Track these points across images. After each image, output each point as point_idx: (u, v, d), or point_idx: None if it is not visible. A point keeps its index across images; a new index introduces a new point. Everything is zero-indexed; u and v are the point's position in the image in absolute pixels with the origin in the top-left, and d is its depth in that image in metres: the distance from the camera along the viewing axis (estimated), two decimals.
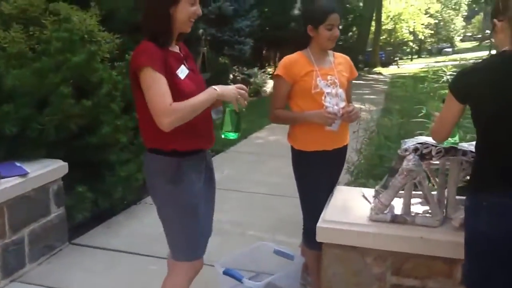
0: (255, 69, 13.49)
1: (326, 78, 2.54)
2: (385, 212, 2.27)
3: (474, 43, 51.35)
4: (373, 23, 26.35)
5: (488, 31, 50.32)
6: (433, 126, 2.01)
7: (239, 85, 2.09)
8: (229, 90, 2.02)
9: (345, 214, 2.40)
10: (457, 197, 2.28)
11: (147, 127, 2.04)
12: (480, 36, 54.47)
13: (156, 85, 1.90)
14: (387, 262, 2.21)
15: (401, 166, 2.18)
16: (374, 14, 26.02)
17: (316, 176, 2.62)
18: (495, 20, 1.73)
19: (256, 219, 4.08)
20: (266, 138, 7.71)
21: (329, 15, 2.46)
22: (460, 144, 2.20)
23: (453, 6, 45.97)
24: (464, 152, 2.15)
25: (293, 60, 2.57)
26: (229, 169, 5.57)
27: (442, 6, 42.31)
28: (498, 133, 1.71)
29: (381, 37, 29.95)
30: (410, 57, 34.37)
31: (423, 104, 3.33)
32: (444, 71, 3.17)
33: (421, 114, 3.30)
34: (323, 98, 2.52)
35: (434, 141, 2.12)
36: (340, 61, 2.67)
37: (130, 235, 3.81)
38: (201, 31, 9.58)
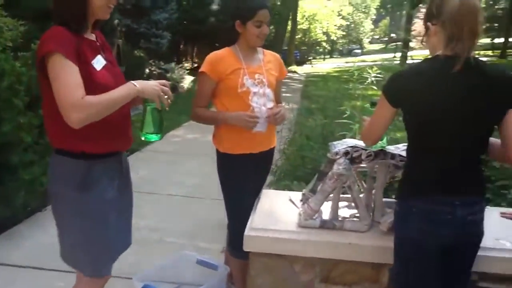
0: (172, 64, 13.13)
1: (254, 77, 2.42)
2: (314, 217, 2.19)
3: (381, 45, 54.50)
4: (290, 22, 26.88)
5: (393, 35, 53.72)
6: (363, 130, 1.96)
7: (161, 81, 1.90)
8: (150, 86, 1.83)
9: (273, 221, 2.29)
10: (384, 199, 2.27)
11: (54, 124, 1.79)
12: (386, 39, 57.96)
13: (65, 75, 1.65)
14: (315, 269, 2.16)
15: (331, 170, 2.11)
16: (291, 14, 26.55)
17: (242, 180, 2.51)
18: (428, 23, 1.71)
19: (175, 224, 3.87)
20: (183, 136, 7.47)
21: (258, 11, 2.33)
22: (387, 147, 2.18)
23: (363, 10, 48.34)
24: (393, 156, 2.13)
25: (220, 57, 2.42)
26: (144, 170, 5.27)
27: (353, 9, 44.31)
28: (431, 139, 1.69)
29: (297, 37, 30.64)
30: (323, 57, 35.56)
31: (345, 104, 3.35)
32: (369, 72, 3.19)
33: (345, 115, 3.31)
34: (250, 97, 2.40)
35: (363, 144, 2.07)
36: (269, 59, 2.56)
37: (33, 247, 3.41)
38: (116, 21, 9.05)
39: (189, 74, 14.34)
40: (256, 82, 2.42)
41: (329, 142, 2.39)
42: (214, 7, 17.51)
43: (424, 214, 1.70)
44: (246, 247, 2.17)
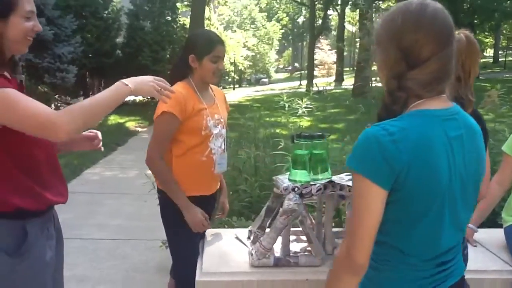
0: (81, 98, 12.52)
1: (214, 117, 2.33)
2: (267, 256, 2.15)
3: (286, 74, 56.82)
4: None
5: (296, 64, 56.27)
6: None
7: (155, 77, 1.72)
8: (145, 83, 1.64)
9: (224, 262, 2.21)
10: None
11: None
12: (290, 68, 60.60)
13: (20, 101, 1.45)
14: None
15: (282, 207, 2.09)
16: None
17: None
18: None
19: (105, 271, 3.60)
20: (101, 174, 7.08)
21: (216, 45, 2.25)
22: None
23: (267, 41, 50.16)
24: (341, 187, 2.16)
25: (185, 95, 2.24)
26: (63, 214, 4.85)
27: (258, 40, 45.78)
28: None
29: None
30: (232, 86, 36.12)
31: (276, 134, 3.38)
32: (300, 104, 3.25)
33: (280, 146, 3.33)
34: (210, 139, 2.31)
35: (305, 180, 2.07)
36: (219, 97, 2.48)
37: None
38: (17, 56, 8.47)
39: None
40: (216, 122, 2.34)
41: (273, 176, 2.38)
42: (120, 40, 17.17)
43: None
44: None
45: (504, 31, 34.75)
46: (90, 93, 17.14)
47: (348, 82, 27.56)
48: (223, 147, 2.38)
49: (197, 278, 2.10)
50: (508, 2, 21.37)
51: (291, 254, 2.21)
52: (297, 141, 2.12)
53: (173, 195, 2.29)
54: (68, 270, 3.52)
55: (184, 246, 2.38)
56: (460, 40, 1.83)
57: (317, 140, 2.13)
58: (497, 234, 2.53)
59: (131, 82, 1.62)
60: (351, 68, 39.18)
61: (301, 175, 2.12)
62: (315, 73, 31.94)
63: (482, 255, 2.34)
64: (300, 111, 3.23)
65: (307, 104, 3.23)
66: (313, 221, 2.37)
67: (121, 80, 1.62)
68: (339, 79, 30.91)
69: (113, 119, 13.42)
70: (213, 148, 2.32)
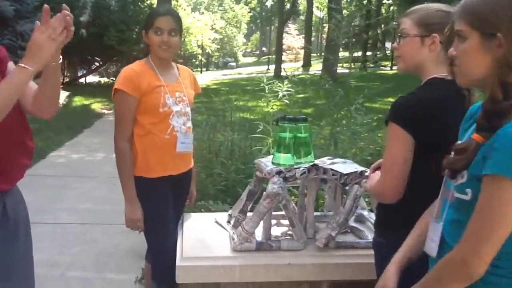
0: None
1: (175, 95, 2.28)
2: (249, 240, 2.12)
3: (254, 58, 56.56)
4: None
5: (264, 48, 56.17)
6: (378, 183, 1.61)
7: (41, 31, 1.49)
8: (39, 48, 1.47)
9: (204, 247, 2.18)
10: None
11: None
12: (258, 52, 60.35)
13: None
14: None
15: (266, 190, 2.06)
16: None
17: (161, 204, 2.34)
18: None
19: (76, 256, 3.50)
20: (68, 157, 6.86)
21: (156, 17, 2.22)
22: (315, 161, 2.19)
23: (235, 24, 49.70)
24: (325, 170, 2.15)
25: (138, 71, 2.22)
26: (29, 197, 4.64)
27: (226, 23, 45.29)
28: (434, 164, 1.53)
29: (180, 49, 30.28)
30: (199, 69, 35.66)
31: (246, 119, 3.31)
32: (280, 87, 3.21)
33: (259, 129, 3.29)
34: (170, 117, 2.26)
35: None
36: (185, 75, 2.44)
37: None
38: None
39: (63, 89, 13.33)
40: (177, 100, 2.29)
41: (255, 160, 2.35)
42: (84, 18, 16.61)
43: None
44: (179, 279, 2.03)
45: None
46: None
47: (315, 67, 27.68)
48: (188, 125, 2.32)
49: (177, 263, 2.05)
50: None
51: (272, 238, 2.19)
52: (282, 124, 2.09)
53: (123, 183, 2.26)
54: (36, 254, 3.41)
55: (159, 230, 2.33)
56: None
57: (301, 123, 2.11)
58: None
59: (28, 62, 1.48)
60: (318, 54, 39.32)
61: (284, 159, 2.09)
62: (283, 58, 31.90)
63: None
64: (280, 95, 3.20)
65: (288, 87, 3.20)
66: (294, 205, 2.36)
67: (19, 64, 1.49)
68: (307, 63, 31.01)
69: (78, 101, 13.05)
70: (175, 126, 2.26)
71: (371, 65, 23.03)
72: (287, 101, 3.30)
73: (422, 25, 1.58)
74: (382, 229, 1.73)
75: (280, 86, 3.22)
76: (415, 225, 1.51)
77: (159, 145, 2.25)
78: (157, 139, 2.25)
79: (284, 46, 34.09)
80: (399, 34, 1.64)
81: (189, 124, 2.35)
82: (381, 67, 25.60)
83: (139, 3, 17.80)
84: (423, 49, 1.59)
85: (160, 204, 2.33)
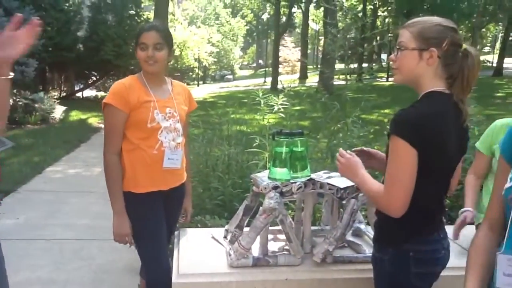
0: (41, 94, 12.07)
1: (165, 111, 2.27)
2: (246, 256, 2.11)
3: (250, 71, 56.79)
4: None
5: (260, 61, 56.49)
6: (383, 196, 1.58)
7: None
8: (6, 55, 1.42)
9: (201, 263, 2.17)
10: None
11: None
12: (254, 65, 60.63)
13: None
14: None
15: (262, 205, 2.06)
16: None
17: (151, 220, 2.30)
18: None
19: (72, 273, 3.47)
20: (64, 172, 6.83)
21: (141, 33, 2.23)
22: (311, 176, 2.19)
23: (231, 37, 49.97)
24: (322, 185, 2.15)
25: (128, 86, 2.22)
26: (25, 213, 4.67)
27: (222, 37, 45.52)
28: (435, 178, 1.61)
29: (169, 63, 30.38)
30: (196, 82, 35.75)
31: (243, 132, 3.32)
32: (276, 101, 3.21)
33: (255, 144, 3.29)
34: (159, 132, 2.25)
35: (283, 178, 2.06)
36: (178, 91, 2.43)
37: None
38: None
39: (59, 104, 13.36)
40: (167, 116, 2.28)
41: (251, 175, 2.34)
42: (81, 33, 16.69)
43: (422, 256, 1.64)
44: None
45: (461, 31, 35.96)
46: (50, 88, 16.60)
47: (312, 80, 27.78)
48: (178, 141, 2.31)
49: (173, 280, 2.04)
50: (466, 3, 22.05)
51: (269, 254, 2.18)
52: (278, 138, 2.09)
53: (111, 196, 2.26)
54: (32, 272, 3.41)
55: (151, 246, 2.30)
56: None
57: (297, 137, 2.11)
58: (469, 232, 2.57)
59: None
60: (314, 66, 39.50)
61: (281, 174, 2.09)
62: (279, 70, 32.04)
63: (455, 251, 2.38)
64: (276, 108, 3.20)
65: (283, 101, 3.20)
66: (291, 220, 2.35)
67: None
68: (303, 76, 31.14)
69: (75, 115, 13.05)
70: (164, 141, 2.25)
71: (367, 77, 23.13)
72: (283, 114, 3.31)
73: (421, 39, 1.58)
74: (382, 245, 1.72)
75: (275, 100, 3.23)
76: (471, 261, 1.42)
77: (147, 160, 2.24)
78: (145, 154, 2.23)
79: (280, 59, 34.25)
80: (397, 47, 1.64)
81: (180, 140, 2.33)
82: (377, 79, 25.72)
83: (136, 18, 17.89)
84: (421, 62, 1.59)
85: (150, 219, 2.30)
